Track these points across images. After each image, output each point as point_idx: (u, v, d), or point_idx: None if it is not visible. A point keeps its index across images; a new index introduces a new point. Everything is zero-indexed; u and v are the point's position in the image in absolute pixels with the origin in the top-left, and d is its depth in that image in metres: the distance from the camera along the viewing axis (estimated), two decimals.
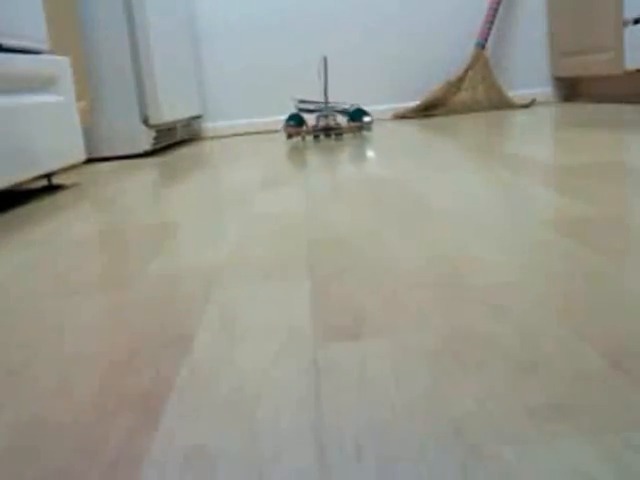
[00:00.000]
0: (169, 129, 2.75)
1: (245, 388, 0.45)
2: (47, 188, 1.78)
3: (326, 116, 2.35)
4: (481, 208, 0.94)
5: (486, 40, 2.92)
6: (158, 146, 2.60)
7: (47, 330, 0.61)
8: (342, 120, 2.50)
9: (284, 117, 3.09)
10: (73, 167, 2.18)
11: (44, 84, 1.65)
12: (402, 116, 3.01)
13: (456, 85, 2.85)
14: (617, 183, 1.01)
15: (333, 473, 0.34)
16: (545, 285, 0.58)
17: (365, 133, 2.44)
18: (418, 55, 3.11)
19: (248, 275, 0.72)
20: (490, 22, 2.90)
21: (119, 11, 2.42)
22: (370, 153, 1.84)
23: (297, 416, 0.40)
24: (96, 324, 0.61)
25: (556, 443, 0.34)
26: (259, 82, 3.14)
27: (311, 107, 2.42)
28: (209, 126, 3.27)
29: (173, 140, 2.84)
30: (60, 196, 1.60)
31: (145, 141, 2.50)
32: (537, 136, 1.83)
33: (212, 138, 3.19)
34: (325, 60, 2.46)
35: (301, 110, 2.45)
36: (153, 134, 2.53)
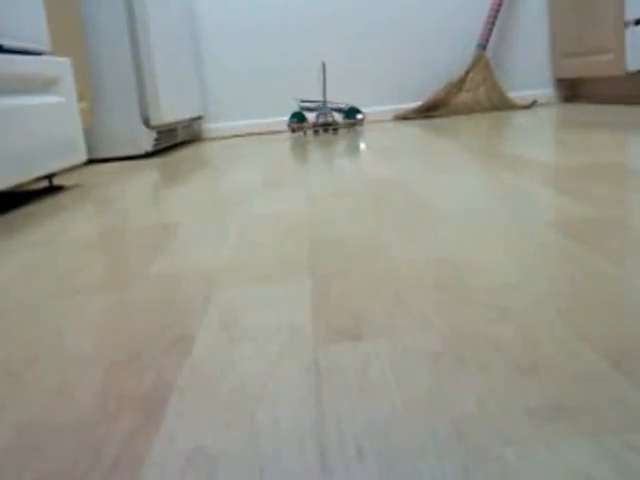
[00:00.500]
0: (170, 130, 2.75)
1: (246, 389, 0.45)
2: (48, 189, 1.78)
3: (325, 114, 2.70)
4: (481, 209, 0.94)
5: (487, 41, 2.92)
6: (159, 147, 2.60)
7: (48, 331, 0.61)
8: (338, 117, 2.94)
9: (285, 118, 3.13)
10: (74, 168, 2.18)
11: (45, 85, 1.65)
12: (403, 117, 3.01)
13: (457, 86, 2.85)
14: (618, 184, 1.01)
15: (334, 474, 0.34)
16: (546, 286, 0.58)
17: (358, 128, 2.78)
18: (419, 56, 3.10)
19: (249, 276, 0.72)
20: (491, 23, 2.89)
21: (120, 12, 2.42)
22: (363, 147, 1.84)
23: (298, 417, 0.40)
24: (97, 325, 0.61)
25: (556, 444, 0.34)
26: (260, 83, 3.14)
27: (312, 106, 2.76)
28: (210, 127, 3.27)
29: (174, 141, 2.84)
30: (61, 197, 1.60)
31: (146, 142, 2.50)
32: (538, 137, 1.83)
33: (213, 139, 3.19)
34: (324, 65, 2.78)
35: (303, 109, 2.77)
36: (154, 135, 2.54)
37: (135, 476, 0.35)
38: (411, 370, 0.45)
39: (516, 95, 3.10)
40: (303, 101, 2.75)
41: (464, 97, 2.84)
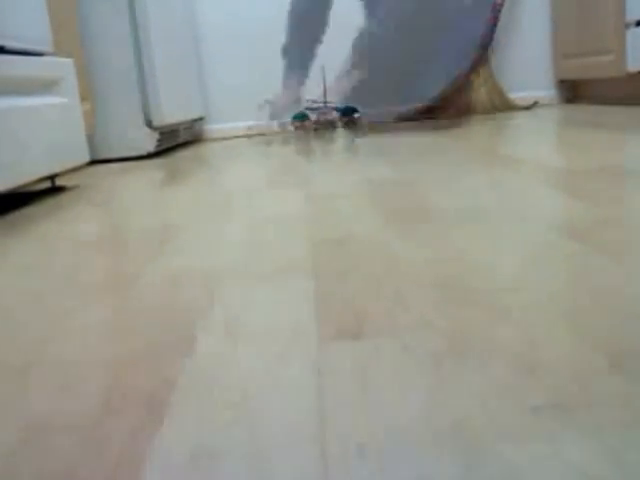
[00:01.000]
0: (172, 131, 2.75)
1: (248, 388, 0.45)
2: (51, 190, 1.78)
3: (324, 113, 2.93)
4: (483, 209, 0.94)
5: (489, 42, 2.91)
6: (161, 148, 2.60)
7: (50, 331, 0.61)
8: (336, 115, 3.08)
9: (287, 119, 3.12)
10: (77, 169, 2.18)
11: (48, 86, 1.65)
12: (404, 118, 3.00)
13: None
14: (621, 185, 1.01)
15: (335, 472, 0.34)
16: (547, 286, 0.58)
17: (354, 125, 2.97)
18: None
19: (251, 276, 0.72)
20: (493, 25, 2.89)
21: (122, 13, 2.42)
22: (359, 142, 1.84)
23: (300, 416, 0.40)
24: (99, 325, 0.61)
25: (557, 442, 0.34)
26: (260, 84, 3.14)
27: (314, 106, 2.94)
28: (211, 128, 3.27)
29: (176, 142, 2.84)
30: (63, 198, 1.60)
31: (148, 143, 2.50)
32: (538, 138, 1.83)
33: (214, 140, 3.19)
34: (323, 69, 2.93)
35: (307, 109, 2.96)
36: (156, 136, 2.53)
37: (138, 475, 0.36)
38: (412, 369, 0.45)
39: (517, 96, 3.10)
40: (308, 100, 2.88)
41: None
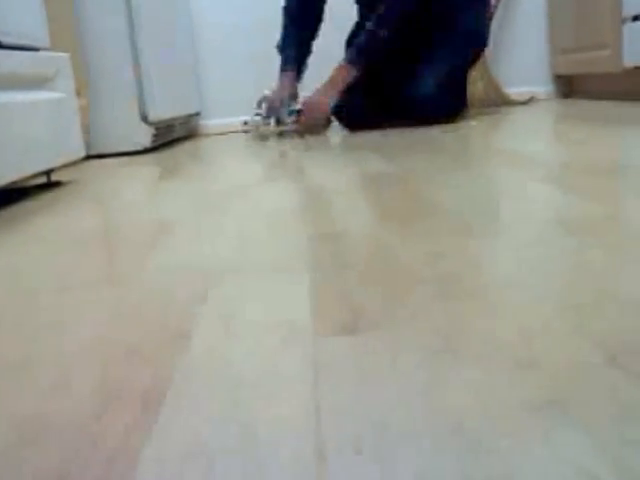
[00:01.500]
0: (168, 126, 2.75)
1: (244, 383, 0.45)
2: (46, 185, 1.78)
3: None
4: (481, 205, 0.94)
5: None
6: (157, 143, 2.60)
7: (45, 327, 0.61)
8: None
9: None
10: (72, 164, 2.18)
11: (44, 81, 1.64)
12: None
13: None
14: (618, 180, 1.01)
15: (332, 467, 0.34)
16: (545, 282, 0.58)
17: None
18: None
19: (247, 271, 0.72)
20: (489, 19, 2.89)
21: (118, 8, 2.41)
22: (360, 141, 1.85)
23: (295, 410, 0.40)
24: (94, 321, 0.61)
25: (552, 437, 0.34)
26: (257, 79, 3.12)
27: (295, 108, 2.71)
28: (207, 123, 3.28)
29: (172, 137, 2.84)
30: (59, 193, 1.60)
31: (144, 138, 2.50)
32: (534, 133, 1.84)
33: (210, 135, 3.19)
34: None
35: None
36: (152, 131, 2.53)
37: (133, 470, 0.36)
38: (409, 364, 0.45)
39: (514, 91, 3.09)
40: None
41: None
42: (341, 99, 2.37)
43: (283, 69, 2.63)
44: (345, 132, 2.49)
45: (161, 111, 2.56)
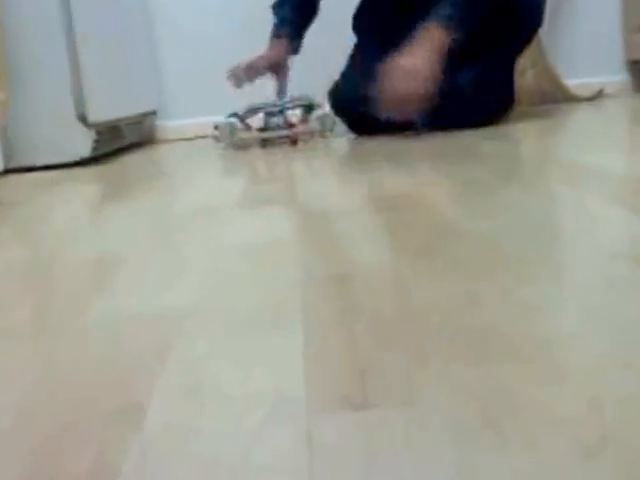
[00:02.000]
0: (113, 129, 2.77)
1: (215, 475, 0.45)
2: None
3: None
4: (525, 231, 0.95)
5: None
6: (100, 152, 2.61)
7: None
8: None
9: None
10: None
11: None
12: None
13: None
14: None
15: None
16: (613, 334, 0.58)
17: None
18: None
19: (219, 324, 0.73)
20: None
21: None
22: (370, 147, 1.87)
23: None
24: (22, 385, 0.61)
25: None
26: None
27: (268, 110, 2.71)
28: (167, 125, 3.31)
29: (119, 144, 2.85)
30: None
31: (82, 145, 2.49)
32: (604, 139, 1.85)
33: (171, 141, 3.21)
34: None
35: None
36: (93, 136, 2.53)
37: None
38: (431, 446, 0.45)
39: (576, 83, 3.08)
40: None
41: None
42: (343, 86, 2.40)
43: (275, 34, 2.61)
44: (352, 135, 2.52)
45: (104, 109, 2.56)
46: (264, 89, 2.67)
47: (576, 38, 3.18)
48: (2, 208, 1.73)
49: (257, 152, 2.45)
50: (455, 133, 2.21)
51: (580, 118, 2.41)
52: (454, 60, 2.16)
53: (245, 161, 2.25)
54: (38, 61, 2.44)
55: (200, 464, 0.46)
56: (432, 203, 1.22)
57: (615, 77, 3.20)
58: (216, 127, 2.63)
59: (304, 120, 2.50)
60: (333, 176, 1.73)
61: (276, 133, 2.51)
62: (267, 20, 2.76)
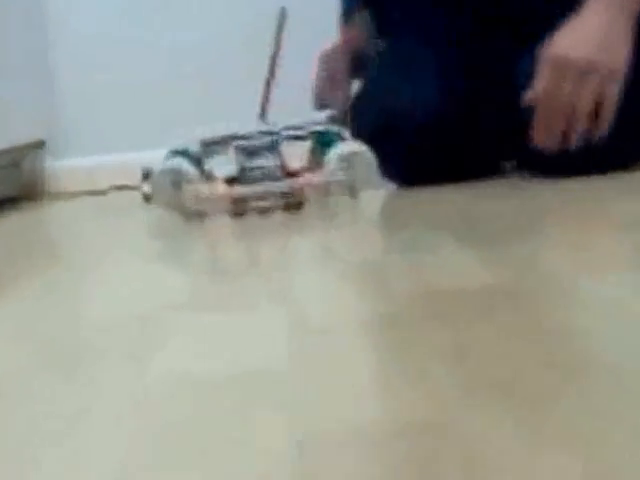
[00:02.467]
0: None
1: None
2: None
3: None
4: None
5: None
6: None
7: None
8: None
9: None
10: None
11: None
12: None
13: None
14: None
15: None
16: None
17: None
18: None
19: None
20: None
21: None
22: None
23: None
24: None
25: None
26: (167, 73, 3.23)
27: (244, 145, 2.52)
28: (63, 167, 3.19)
29: None
30: None
31: None
32: None
33: (70, 195, 3.09)
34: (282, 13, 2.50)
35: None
36: None
37: None
38: None
39: None
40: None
41: None
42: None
43: (346, 20, 2.63)
44: (395, 187, 2.36)
45: None
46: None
47: None
48: None
49: (225, 223, 2.19)
50: (559, 182, 2.12)
51: None
52: None
53: (200, 239, 2.08)
54: None
55: None
56: (528, 303, 1.23)
57: None
58: (146, 175, 2.22)
59: (314, 163, 2.17)
60: (356, 258, 1.65)
61: (261, 189, 2.11)
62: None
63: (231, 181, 2.10)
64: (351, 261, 1.64)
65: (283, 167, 2.12)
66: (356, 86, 2.58)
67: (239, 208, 2.11)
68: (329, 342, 1.14)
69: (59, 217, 2.71)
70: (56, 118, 3.21)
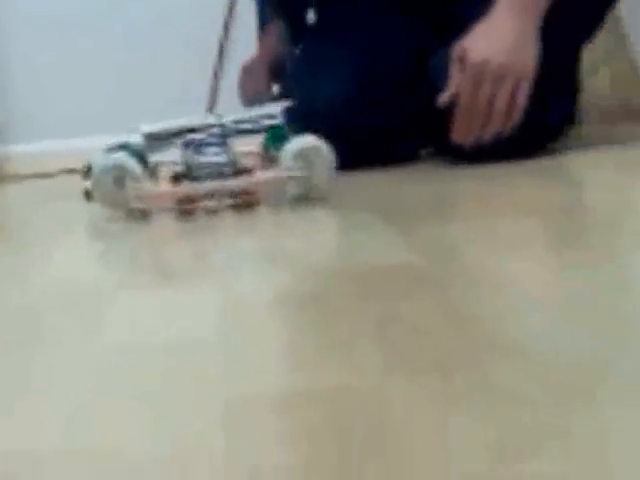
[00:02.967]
0: None
1: None
2: None
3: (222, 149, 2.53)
4: (590, 342, 0.91)
5: None
6: None
7: None
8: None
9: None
10: None
11: None
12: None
13: None
14: None
15: None
16: None
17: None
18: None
19: (96, 472, 0.70)
20: None
21: None
22: None
23: None
24: None
25: None
26: (120, 64, 3.37)
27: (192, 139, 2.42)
28: (16, 152, 3.24)
29: None
30: None
31: None
32: None
33: (23, 179, 3.11)
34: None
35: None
36: None
37: None
38: None
39: None
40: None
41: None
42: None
43: (262, 27, 2.73)
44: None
45: None
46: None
47: None
48: None
49: (169, 226, 2.08)
50: (477, 167, 2.23)
51: None
52: None
53: (138, 243, 1.96)
54: None
55: None
56: (444, 283, 1.24)
57: None
58: (87, 171, 2.04)
59: (267, 159, 2.07)
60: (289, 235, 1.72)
61: (210, 187, 1.99)
62: None
63: (177, 178, 1.94)
64: (286, 246, 1.65)
65: (234, 163, 1.97)
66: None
67: (186, 207, 1.95)
68: (257, 317, 1.18)
69: (20, 198, 2.72)
70: (5, 103, 3.29)
